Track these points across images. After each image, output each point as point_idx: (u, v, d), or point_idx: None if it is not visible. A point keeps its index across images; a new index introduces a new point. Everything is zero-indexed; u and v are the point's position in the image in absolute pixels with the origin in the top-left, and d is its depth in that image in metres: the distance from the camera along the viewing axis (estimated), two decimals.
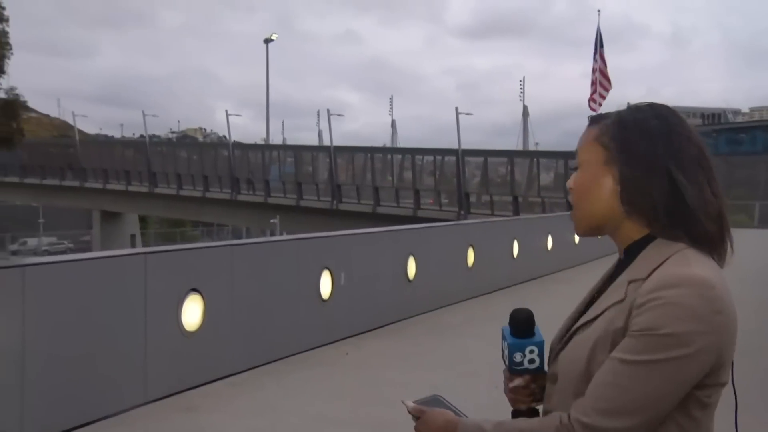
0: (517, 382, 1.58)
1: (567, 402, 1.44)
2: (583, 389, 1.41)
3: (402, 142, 66.12)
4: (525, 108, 70.61)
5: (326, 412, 5.88)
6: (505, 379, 1.62)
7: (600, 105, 22.91)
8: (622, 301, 1.42)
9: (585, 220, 1.53)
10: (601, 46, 23.71)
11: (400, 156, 34.96)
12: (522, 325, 1.55)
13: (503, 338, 1.58)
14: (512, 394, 1.60)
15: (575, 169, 1.57)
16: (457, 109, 32.06)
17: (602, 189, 1.49)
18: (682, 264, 1.39)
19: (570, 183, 1.56)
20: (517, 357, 1.53)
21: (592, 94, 23.37)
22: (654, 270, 1.40)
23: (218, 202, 39.30)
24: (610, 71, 23.75)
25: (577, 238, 14.94)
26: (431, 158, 32.74)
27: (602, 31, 23.96)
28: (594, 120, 1.57)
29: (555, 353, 1.54)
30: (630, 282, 1.43)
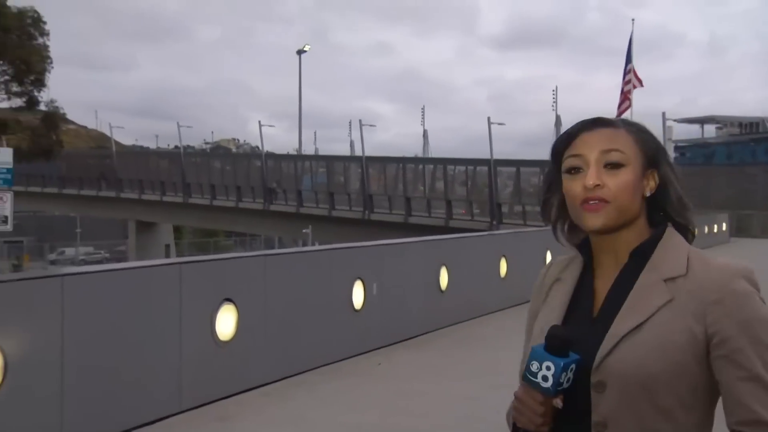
0: (536, 396, 1.50)
1: (620, 409, 1.46)
2: (653, 395, 1.45)
3: (433, 153, 65.96)
4: (558, 118, 69.90)
5: (357, 422, 5.89)
6: (518, 391, 1.54)
7: (622, 113, 22.67)
8: (670, 301, 1.48)
9: (620, 216, 1.56)
10: (629, 60, 23.50)
11: (431, 166, 34.93)
12: (556, 342, 1.50)
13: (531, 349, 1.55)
14: (519, 406, 1.52)
15: (609, 165, 1.57)
16: (489, 119, 32.01)
17: (641, 189, 1.57)
18: (706, 255, 1.55)
19: (601, 180, 1.54)
20: (534, 366, 1.49)
21: (621, 104, 23.17)
22: (689, 262, 1.51)
23: (251, 212, 39.56)
24: (644, 81, 23.54)
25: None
26: (463, 168, 32.65)
27: (637, 41, 23.94)
28: (605, 123, 1.61)
29: (599, 360, 1.49)
30: (667, 280, 1.50)
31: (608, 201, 1.53)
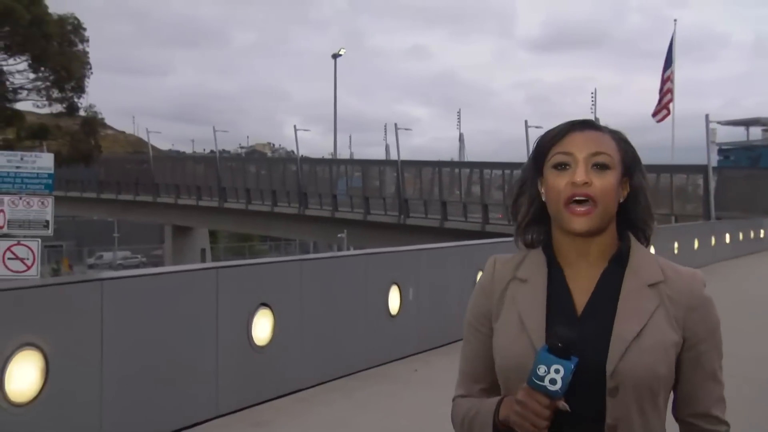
0: (542, 400, 1.48)
1: (630, 411, 1.53)
2: (655, 395, 1.55)
3: (470, 157, 65.90)
4: (597, 121, 69.47)
5: (394, 428, 5.88)
6: (520, 395, 1.51)
7: (663, 115, 22.37)
8: (658, 306, 1.59)
9: (602, 219, 1.61)
10: (670, 63, 23.21)
11: (468, 170, 34.88)
12: (561, 342, 1.49)
13: (537, 352, 1.52)
14: (522, 410, 1.50)
15: (596, 166, 1.61)
16: (526, 122, 31.93)
17: (618, 194, 1.63)
18: (669, 260, 1.68)
19: (589, 178, 1.58)
20: (541, 370, 1.47)
21: (662, 105, 22.88)
22: (662, 269, 1.63)
23: (286, 217, 39.81)
24: (687, 82, 23.24)
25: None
26: (499, 172, 32.53)
27: (679, 42, 23.63)
28: (594, 126, 1.67)
29: (613, 365, 1.52)
30: (650, 286, 1.60)
31: (595, 200, 1.58)
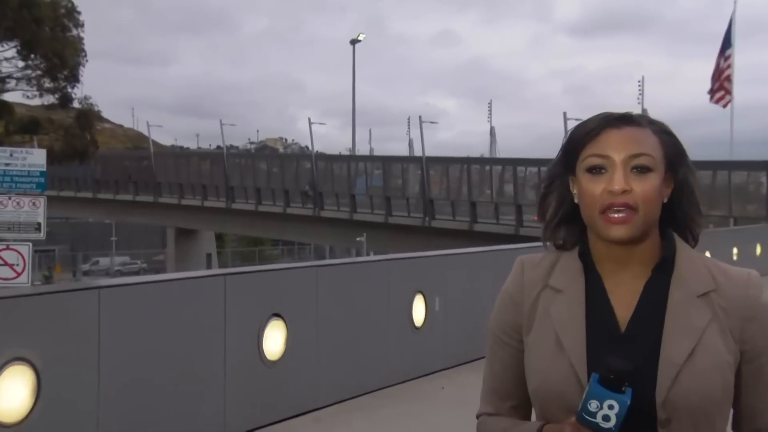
0: None
1: None
2: (712, 421, 1.52)
3: (502, 153, 65.67)
4: (644, 111, 69.01)
5: None
6: (568, 431, 1.51)
7: (722, 98, 22.13)
8: (711, 320, 1.56)
9: (644, 227, 1.57)
10: (729, 45, 23.01)
11: (500, 167, 34.77)
12: (615, 375, 1.48)
13: (588, 385, 1.50)
14: None
15: (636, 169, 1.58)
16: (565, 114, 31.73)
17: (662, 196, 1.60)
18: (716, 261, 1.65)
19: (628, 184, 1.54)
20: (593, 405, 1.46)
21: (715, 93, 22.67)
22: (712, 275, 1.60)
23: (300, 219, 39.89)
24: (747, 69, 23.06)
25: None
26: (535, 170, 32.38)
27: (739, 23, 23.33)
28: (633, 121, 1.62)
29: (664, 394, 1.50)
30: (700, 297, 1.57)
31: (634, 208, 1.54)
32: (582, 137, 1.61)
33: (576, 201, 1.63)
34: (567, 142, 1.66)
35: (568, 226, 1.69)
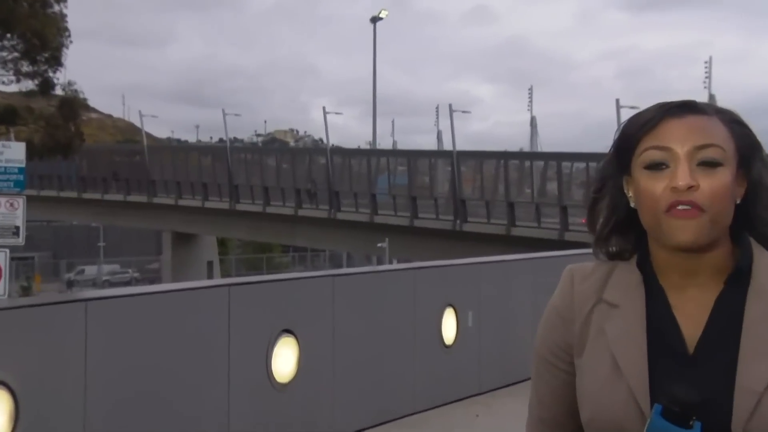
0: None
1: None
2: None
3: (545, 146, 65.48)
4: (711, 98, 68.69)
5: None
6: None
7: None
8: None
9: (714, 230, 1.53)
10: None
11: (542, 163, 34.66)
12: (681, 407, 1.46)
13: (650, 418, 1.49)
14: None
15: (703, 164, 1.54)
16: (618, 101, 31.61)
17: (734, 195, 1.56)
18: None
19: (695, 180, 1.51)
20: None
21: None
22: None
23: (313, 222, 39.96)
24: None
25: None
26: (583, 165, 32.28)
27: None
28: (697, 109, 1.59)
29: (741, 426, 1.46)
30: None
31: (702, 208, 1.50)
32: (637, 130, 1.58)
33: (632, 205, 1.60)
34: (620, 137, 1.62)
35: (623, 233, 1.66)
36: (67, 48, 43.73)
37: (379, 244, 36.64)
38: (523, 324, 9.39)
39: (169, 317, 5.82)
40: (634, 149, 1.58)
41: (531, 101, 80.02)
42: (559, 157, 33.37)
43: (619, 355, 1.56)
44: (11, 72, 42.46)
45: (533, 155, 42.92)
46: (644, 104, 1.63)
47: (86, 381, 5.18)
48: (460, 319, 8.38)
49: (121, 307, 5.59)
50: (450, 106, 38.33)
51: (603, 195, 1.67)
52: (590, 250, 1.72)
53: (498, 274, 9.32)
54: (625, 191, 1.62)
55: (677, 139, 1.53)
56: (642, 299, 1.59)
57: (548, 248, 17.82)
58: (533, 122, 71.81)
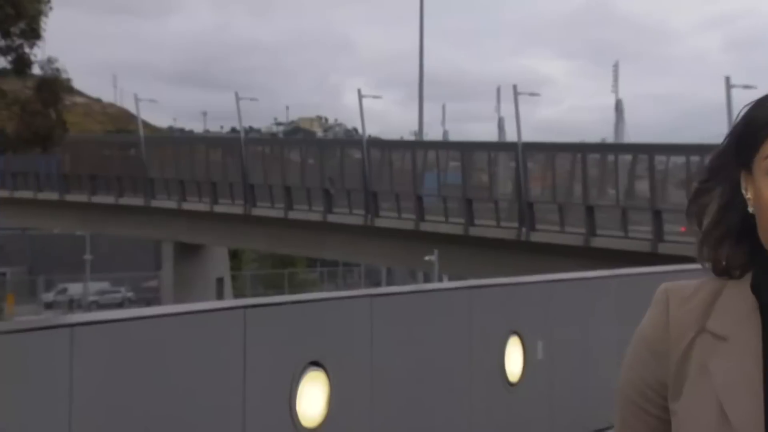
0: None
1: None
2: None
3: (633, 135, 65.10)
4: None
5: None
6: None
7: None
8: None
9: None
10: None
11: (629, 156, 34.47)
12: None
13: None
14: None
15: None
16: (728, 80, 31.25)
17: None
18: None
19: None
20: None
21: None
22: None
23: (346, 230, 39.97)
24: None
25: None
26: (682, 159, 32.04)
27: None
28: None
29: None
30: None
31: None
32: (765, 124, 1.57)
33: (750, 209, 1.59)
34: (743, 125, 1.61)
35: (736, 241, 1.64)
36: (47, 17, 44.07)
37: (426, 257, 36.60)
38: (606, 358, 9.34)
39: (170, 347, 5.85)
40: (759, 146, 1.57)
41: (616, 80, 79.46)
42: (652, 149, 33.12)
43: (726, 401, 1.54)
44: None
45: (619, 147, 42.66)
46: (762, 83, 1.61)
47: (71, 420, 5.23)
48: (527, 350, 8.35)
49: (112, 333, 5.63)
50: (514, 87, 38.32)
51: (712, 186, 1.66)
52: (691, 267, 1.71)
53: (574, 295, 9.27)
54: (743, 190, 1.61)
55: None
56: (757, 331, 1.58)
57: (637, 263, 17.74)
58: (619, 106, 71.42)
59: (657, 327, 1.68)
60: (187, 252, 54.67)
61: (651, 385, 1.67)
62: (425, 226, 37.01)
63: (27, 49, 42.84)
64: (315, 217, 40.83)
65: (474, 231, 35.33)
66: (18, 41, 42.44)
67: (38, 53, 43.70)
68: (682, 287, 1.69)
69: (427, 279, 39.26)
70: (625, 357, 1.74)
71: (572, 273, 10.17)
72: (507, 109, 67.66)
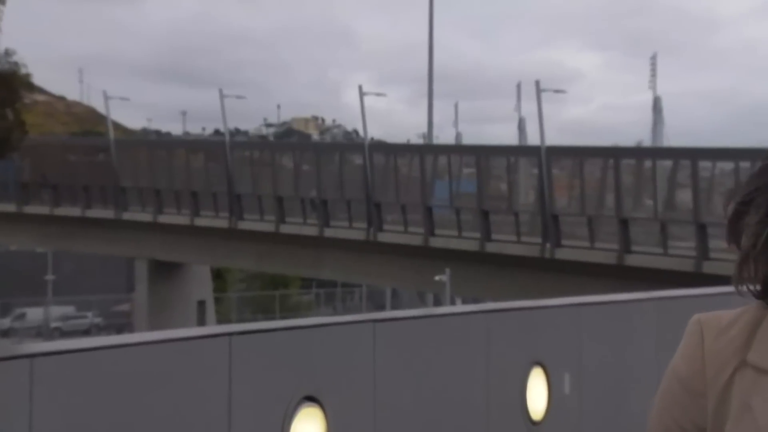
0: None
1: None
2: None
3: (673, 137, 65.17)
4: None
5: None
6: None
7: None
8: None
9: None
10: None
11: (669, 162, 34.51)
12: None
13: None
14: None
15: None
16: None
17: None
18: None
19: None
20: None
21: None
22: None
23: (346, 246, 40.00)
24: None
25: None
26: (730, 166, 32.06)
27: None
28: None
29: None
30: None
31: None
32: None
33: None
34: None
35: None
36: (4, 5, 44.12)
37: (436, 277, 36.61)
38: (643, 394, 9.33)
39: (144, 380, 5.84)
40: None
41: (654, 75, 79.71)
42: (695, 153, 33.08)
43: None
44: None
45: (657, 152, 42.73)
46: None
47: None
48: (552, 383, 8.34)
49: (78, 365, 5.62)
50: (537, 83, 38.26)
51: (754, 204, 1.68)
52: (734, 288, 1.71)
53: (606, 320, 9.27)
54: None
55: None
56: None
57: (679, 284, 17.73)
58: (657, 104, 71.70)
59: (691, 362, 1.69)
60: (164, 271, 54.70)
61: (685, 427, 1.67)
62: (435, 242, 37.05)
63: None
64: (310, 231, 40.90)
65: (491, 247, 35.36)
66: None
67: None
68: (718, 317, 1.70)
69: (438, 302, 39.26)
70: (657, 397, 1.74)
71: (604, 296, 10.17)
72: (529, 108, 67.66)
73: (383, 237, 38.80)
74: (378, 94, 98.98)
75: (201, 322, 53.36)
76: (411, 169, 40.21)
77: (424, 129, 54.27)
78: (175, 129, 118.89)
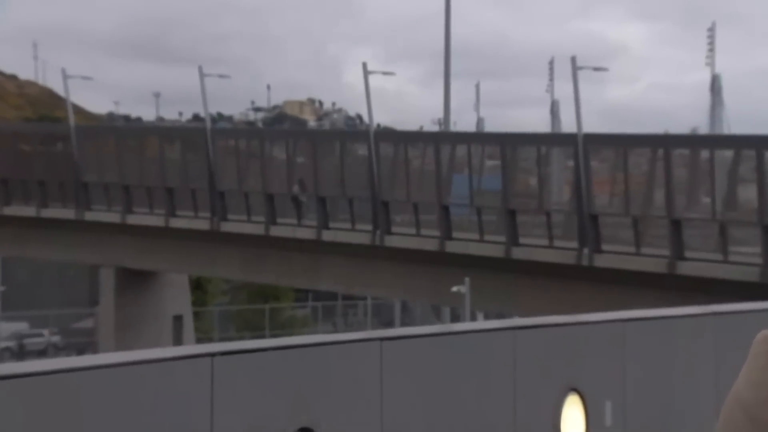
0: None
1: None
2: None
3: (735, 123, 65.06)
4: None
5: None
6: None
7: None
8: None
9: None
10: None
11: (730, 152, 34.45)
12: None
13: None
14: None
15: None
16: None
17: None
18: None
19: None
20: None
21: None
22: None
23: (347, 251, 39.99)
24: None
25: None
26: None
27: None
28: None
29: None
30: None
31: None
32: None
33: None
34: None
35: None
36: None
37: (454, 288, 36.61)
38: (697, 424, 9.35)
39: (112, 407, 5.87)
40: None
41: (712, 50, 79.38)
42: (761, 142, 33.00)
43: None
44: None
45: (715, 140, 42.68)
46: None
47: None
48: (590, 412, 8.36)
49: (32, 390, 5.64)
50: (573, 60, 38.21)
51: None
52: None
53: (655, 339, 9.29)
54: None
55: None
56: None
57: (742, 297, 17.71)
58: (716, 84, 71.51)
59: (758, 388, 1.71)
60: (134, 281, 54.77)
61: None
62: (453, 247, 37.04)
63: None
64: (306, 234, 40.89)
65: (518, 253, 35.35)
66: None
67: None
68: None
69: (456, 317, 39.29)
70: (719, 424, 1.73)
71: (652, 310, 10.17)
72: (563, 90, 67.62)
73: (391, 241, 38.78)
74: (385, 73, 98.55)
75: (177, 340, 53.40)
76: (424, 162, 40.22)
77: (440, 114, 54.38)
78: (147, 114, 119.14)
